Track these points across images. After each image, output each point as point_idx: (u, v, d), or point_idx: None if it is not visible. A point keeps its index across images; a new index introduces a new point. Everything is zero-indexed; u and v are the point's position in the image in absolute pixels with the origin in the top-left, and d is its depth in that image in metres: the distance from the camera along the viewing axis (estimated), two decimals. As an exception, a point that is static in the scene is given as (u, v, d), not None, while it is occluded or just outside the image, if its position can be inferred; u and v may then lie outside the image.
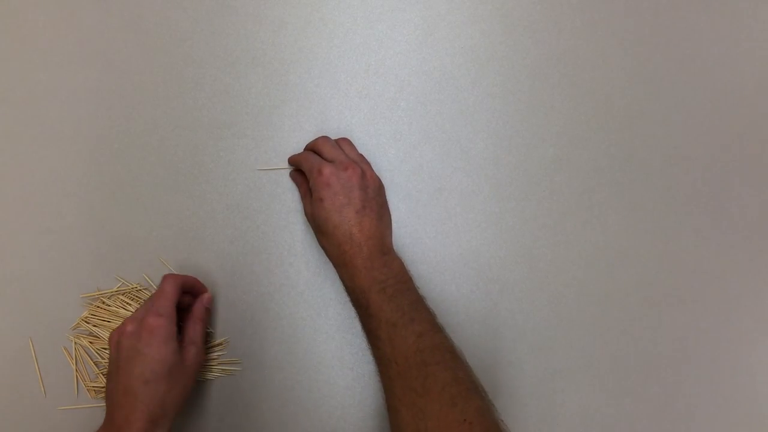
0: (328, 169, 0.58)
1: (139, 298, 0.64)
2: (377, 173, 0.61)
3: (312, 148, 0.62)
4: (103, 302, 0.64)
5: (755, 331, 0.65)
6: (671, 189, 0.66)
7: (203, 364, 0.58)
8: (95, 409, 0.63)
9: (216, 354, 0.64)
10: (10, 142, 0.65)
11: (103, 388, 0.63)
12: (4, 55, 0.65)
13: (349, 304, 0.63)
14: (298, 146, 0.65)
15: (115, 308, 0.64)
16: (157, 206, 0.65)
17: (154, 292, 0.58)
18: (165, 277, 0.58)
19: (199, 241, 0.64)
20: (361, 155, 0.63)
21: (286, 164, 0.64)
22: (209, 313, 0.62)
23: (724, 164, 0.66)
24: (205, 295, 0.61)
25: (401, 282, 0.55)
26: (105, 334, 0.63)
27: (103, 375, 0.63)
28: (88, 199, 0.65)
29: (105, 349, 0.63)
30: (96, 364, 0.63)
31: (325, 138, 0.63)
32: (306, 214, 0.61)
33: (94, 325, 0.64)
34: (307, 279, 0.65)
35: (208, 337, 0.63)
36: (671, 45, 0.66)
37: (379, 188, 0.60)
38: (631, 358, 0.65)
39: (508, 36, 0.66)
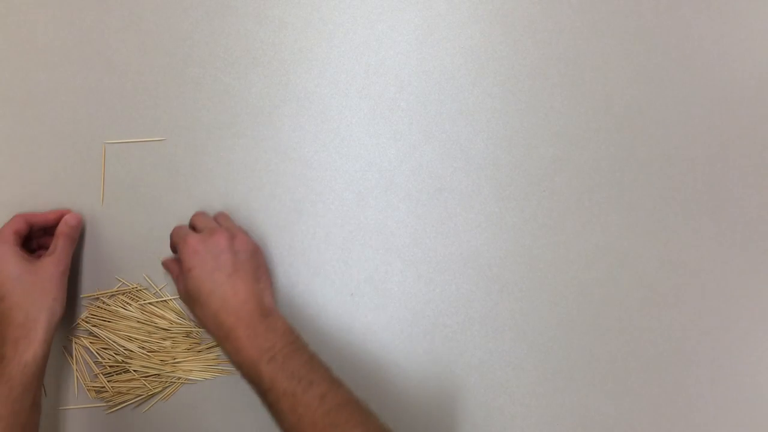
0: (193, 238, 0.56)
1: (139, 298, 0.64)
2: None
3: (175, 229, 0.61)
4: (103, 302, 0.64)
5: (755, 331, 0.65)
6: (671, 189, 0.66)
7: (64, 274, 0.59)
8: (95, 409, 0.63)
9: (216, 354, 0.64)
10: (10, 142, 0.65)
11: (103, 388, 0.63)
12: (4, 55, 0.65)
13: (350, 303, 0.63)
14: (298, 146, 0.65)
15: (115, 308, 0.64)
16: (157, 206, 0.65)
17: None
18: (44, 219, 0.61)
19: (199, 241, 0.64)
20: (238, 226, 0.61)
21: (136, 138, 0.63)
22: (73, 230, 0.61)
23: (724, 164, 0.66)
24: (69, 214, 0.62)
25: (290, 344, 0.53)
26: (105, 334, 0.63)
27: (103, 375, 0.63)
28: (88, 199, 0.65)
29: (105, 349, 0.63)
30: (96, 364, 0.63)
31: (199, 213, 0.62)
32: (180, 295, 0.58)
33: (94, 326, 0.64)
34: (307, 279, 0.65)
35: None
36: (671, 45, 0.66)
37: (254, 252, 0.59)
38: (631, 358, 0.65)
39: (508, 36, 0.66)
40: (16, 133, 0.65)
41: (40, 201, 0.64)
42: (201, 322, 0.56)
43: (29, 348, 0.54)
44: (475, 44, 0.66)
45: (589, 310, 0.65)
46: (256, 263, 0.58)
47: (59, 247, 0.59)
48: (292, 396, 0.51)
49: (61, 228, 0.61)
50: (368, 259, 0.65)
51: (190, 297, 0.56)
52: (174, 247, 0.60)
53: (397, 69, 0.66)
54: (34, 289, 0.56)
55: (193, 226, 0.60)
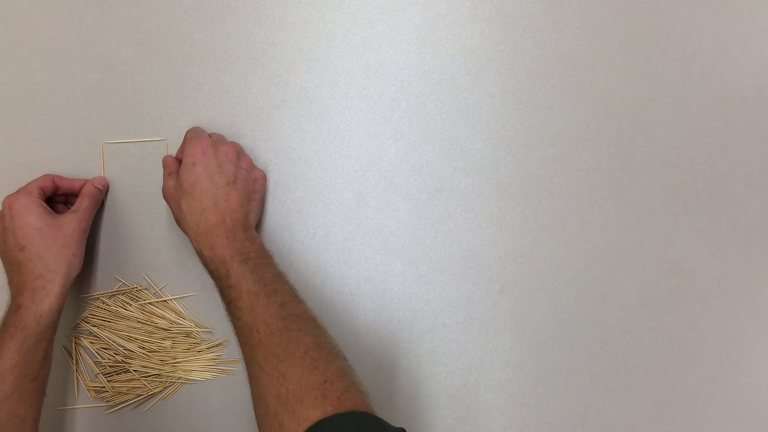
0: (207, 139, 0.59)
1: (139, 298, 0.64)
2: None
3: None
4: (103, 302, 0.64)
5: (755, 331, 0.65)
6: (671, 189, 0.66)
7: (84, 232, 0.60)
8: (95, 409, 0.63)
9: (216, 354, 0.64)
10: (10, 142, 0.65)
11: (102, 388, 0.63)
12: (4, 55, 0.65)
13: (349, 303, 0.63)
14: (298, 146, 0.65)
15: (115, 308, 0.64)
16: (157, 206, 0.65)
17: None
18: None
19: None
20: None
21: (136, 138, 0.64)
22: (99, 192, 0.63)
23: (724, 164, 0.66)
24: (97, 177, 0.64)
25: (262, 257, 0.56)
26: (105, 334, 0.63)
27: (103, 375, 0.63)
28: (88, 199, 0.65)
29: (105, 349, 0.63)
30: (96, 364, 0.63)
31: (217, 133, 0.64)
32: (166, 189, 0.60)
33: (94, 325, 0.64)
34: (307, 279, 0.65)
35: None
36: (671, 45, 0.66)
37: (256, 179, 0.62)
38: (631, 358, 0.65)
39: (508, 36, 0.66)
40: (16, 133, 0.65)
41: (40, 201, 0.64)
42: (183, 215, 0.57)
43: (46, 299, 0.55)
44: (475, 44, 0.66)
45: (589, 310, 0.65)
46: (254, 187, 0.61)
47: (83, 205, 0.61)
48: (254, 296, 0.53)
49: (88, 188, 0.62)
50: (368, 259, 0.65)
51: (181, 189, 0.57)
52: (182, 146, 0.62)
53: (397, 69, 0.66)
54: (55, 243, 0.57)
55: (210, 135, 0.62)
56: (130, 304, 0.64)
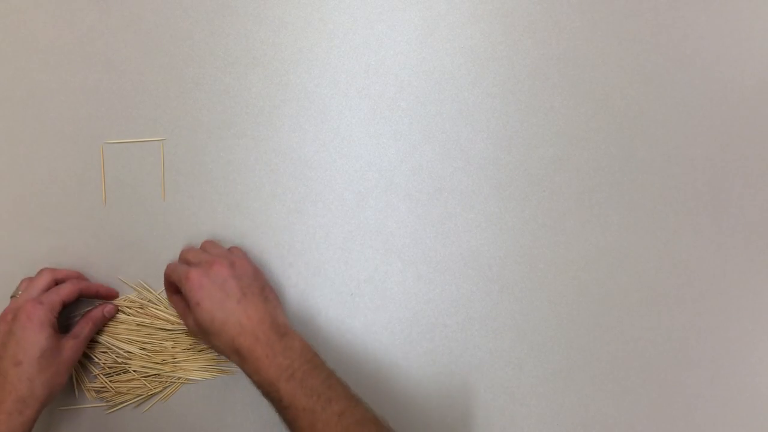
0: (195, 272, 0.56)
1: (139, 299, 0.64)
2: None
3: (180, 260, 0.61)
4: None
5: (755, 331, 0.65)
6: (671, 189, 0.66)
7: (77, 359, 0.59)
8: (95, 409, 0.63)
9: (216, 354, 0.64)
10: (10, 142, 0.65)
11: (102, 388, 0.63)
12: (4, 55, 0.65)
13: (349, 303, 0.63)
14: (298, 146, 0.65)
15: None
16: (157, 206, 0.65)
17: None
18: (70, 278, 0.60)
19: (200, 242, 0.64)
20: (229, 249, 0.62)
21: (136, 138, 0.64)
22: (105, 320, 0.62)
23: (724, 164, 0.66)
24: (109, 306, 0.62)
25: (308, 362, 0.54)
26: (102, 338, 0.63)
27: (103, 375, 0.63)
28: (88, 199, 0.65)
29: (104, 351, 0.63)
30: (95, 365, 0.63)
31: (187, 247, 0.63)
32: (189, 329, 0.59)
33: (94, 326, 0.64)
34: (307, 279, 0.65)
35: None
36: (671, 45, 0.66)
37: (255, 273, 0.59)
38: (631, 358, 0.65)
39: (508, 36, 0.66)
40: (16, 133, 0.65)
41: (41, 201, 0.64)
42: (218, 350, 0.56)
43: (19, 421, 0.54)
44: (475, 44, 0.66)
45: (589, 310, 0.65)
46: (261, 284, 0.58)
47: (85, 333, 0.60)
48: (311, 413, 0.51)
49: (97, 314, 0.61)
50: (368, 259, 0.65)
51: (203, 330, 0.56)
52: (169, 283, 0.60)
53: (397, 69, 0.66)
54: (50, 369, 0.56)
55: (186, 261, 0.60)
56: (130, 307, 0.64)
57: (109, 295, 0.63)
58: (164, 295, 0.64)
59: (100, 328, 0.62)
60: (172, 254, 0.64)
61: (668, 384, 0.65)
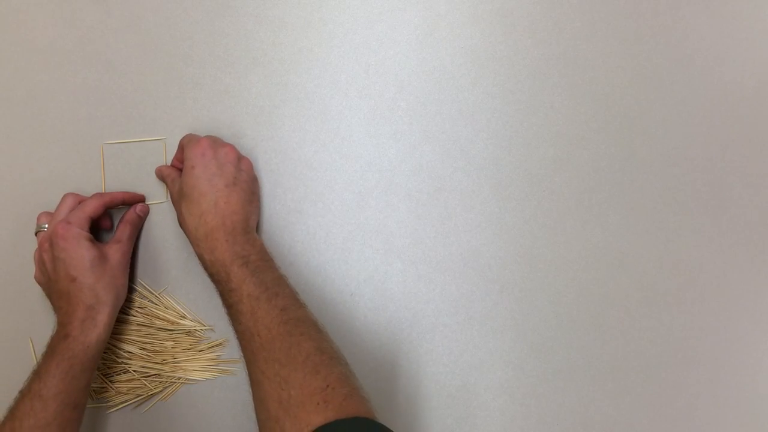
0: (206, 140, 0.59)
1: (139, 300, 0.64)
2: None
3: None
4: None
5: (755, 331, 0.65)
6: (671, 189, 0.66)
7: (128, 261, 0.61)
8: (95, 409, 0.63)
9: (216, 354, 0.64)
10: (10, 142, 0.65)
11: (102, 388, 0.63)
12: (4, 55, 0.65)
13: (349, 303, 0.63)
14: (298, 146, 0.65)
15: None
16: (156, 206, 0.65)
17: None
18: (93, 195, 0.61)
19: (199, 241, 0.64)
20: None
21: (136, 137, 0.64)
22: (141, 219, 0.63)
23: (724, 164, 0.66)
24: (139, 204, 0.63)
25: (263, 260, 0.56)
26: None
27: (103, 376, 0.63)
28: (88, 199, 0.65)
29: (104, 351, 0.63)
30: (96, 364, 0.63)
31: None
32: (172, 196, 0.60)
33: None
34: (307, 279, 0.65)
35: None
36: (671, 45, 0.66)
37: (253, 179, 0.62)
38: (631, 358, 0.65)
39: (508, 36, 0.66)
40: (16, 133, 0.65)
41: (40, 201, 0.64)
42: (183, 219, 0.58)
43: (94, 330, 0.56)
44: (475, 44, 0.66)
45: (589, 310, 0.65)
46: (253, 189, 0.61)
47: (126, 234, 0.61)
48: (255, 300, 0.52)
49: (131, 216, 0.62)
50: (368, 259, 0.65)
51: (182, 193, 0.58)
52: (179, 151, 0.62)
53: (397, 69, 0.66)
54: (105, 275, 0.57)
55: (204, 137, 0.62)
56: (130, 308, 0.64)
57: (136, 199, 0.64)
58: (164, 295, 0.64)
59: (139, 228, 0.63)
60: (172, 254, 0.64)
61: (668, 384, 0.65)
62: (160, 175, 0.63)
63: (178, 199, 0.59)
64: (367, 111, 0.66)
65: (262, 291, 0.53)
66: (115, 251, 0.59)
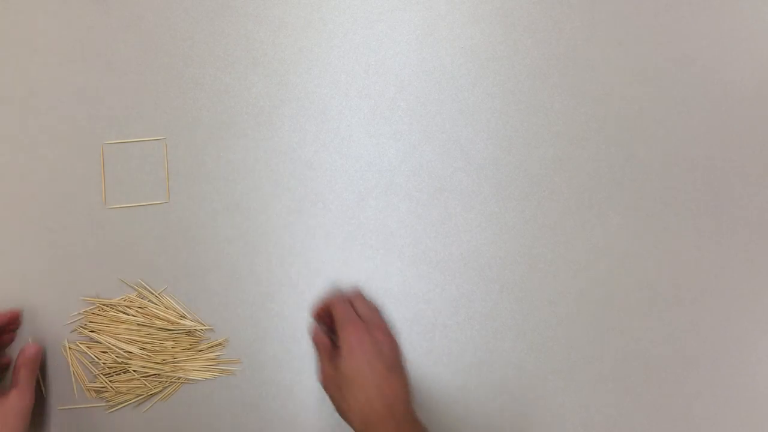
0: (361, 325, 0.58)
1: (139, 300, 0.64)
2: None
3: (341, 301, 0.61)
4: (102, 308, 0.64)
5: (755, 331, 0.65)
6: (671, 189, 0.66)
7: (31, 406, 0.57)
8: (95, 409, 0.63)
9: (216, 354, 0.64)
10: (10, 142, 0.65)
11: (102, 388, 0.63)
12: (4, 55, 0.65)
13: (350, 305, 0.62)
14: (298, 146, 0.65)
15: (113, 313, 0.64)
16: (156, 206, 0.65)
17: None
18: None
19: (200, 242, 0.64)
20: (377, 321, 0.61)
21: (136, 137, 0.63)
22: (36, 359, 0.60)
23: (724, 164, 0.66)
24: (29, 347, 0.60)
25: None
26: (103, 339, 0.63)
27: (103, 376, 0.63)
28: (88, 199, 0.65)
29: (104, 352, 0.63)
30: (95, 365, 0.63)
31: (360, 295, 0.63)
32: (324, 375, 0.59)
33: (92, 330, 0.64)
34: (307, 279, 0.65)
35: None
36: (671, 45, 0.66)
37: (400, 352, 0.60)
38: (631, 358, 0.65)
39: (508, 36, 0.66)
40: (16, 133, 0.65)
41: (40, 201, 0.64)
42: (347, 405, 0.56)
43: None
44: (475, 44, 0.66)
45: (589, 310, 0.65)
46: (403, 364, 0.60)
47: (22, 379, 0.58)
48: None
49: (22, 360, 0.59)
50: (368, 259, 0.65)
51: (344, 378, 0.56)
52: (323, 312, 0.61)
53: (397, 69, 0.66)
54: (7, 420, 0.55)
55: (351, 304, 0.61)
56: (130, 308, 0.64)
57: (11, 320, 0.61)
58: (164, 295, 0.64)
59: (37, 369, 0.60)
60: (172, 254, 0.64)
61: (668, 384, 0.65)
62: (316, 344, 0.61)
63: (336, 382, 0.57)
64: (367, 111, 0.66)
65: None
66: (14, 397, 0.56)
